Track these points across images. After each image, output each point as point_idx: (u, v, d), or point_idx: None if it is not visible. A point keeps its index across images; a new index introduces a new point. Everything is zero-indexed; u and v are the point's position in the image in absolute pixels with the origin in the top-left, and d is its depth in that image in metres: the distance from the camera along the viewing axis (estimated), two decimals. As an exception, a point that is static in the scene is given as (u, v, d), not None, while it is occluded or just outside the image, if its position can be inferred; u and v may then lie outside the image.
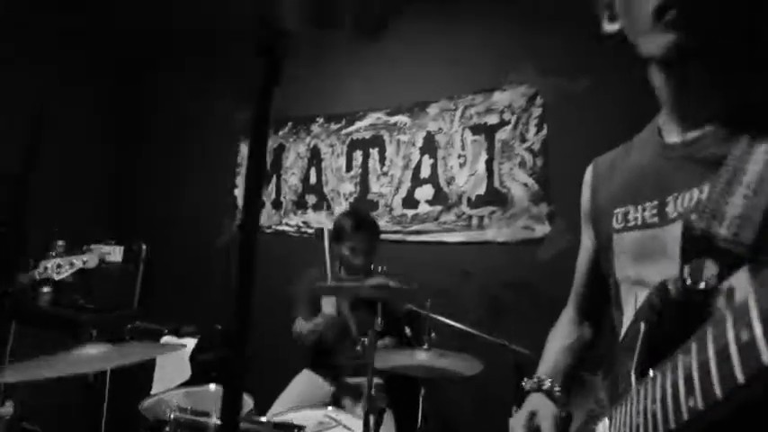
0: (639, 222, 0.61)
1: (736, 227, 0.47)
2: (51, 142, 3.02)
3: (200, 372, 2.48)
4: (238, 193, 3.13)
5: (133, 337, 2.74)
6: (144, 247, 3.13)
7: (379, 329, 1.54)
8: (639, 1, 0.52)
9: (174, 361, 2.54)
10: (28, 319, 2.64)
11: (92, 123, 3.44)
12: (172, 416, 1.19)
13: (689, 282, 0.48)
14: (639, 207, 0.62)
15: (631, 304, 0.62)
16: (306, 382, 2.08)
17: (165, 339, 2.69)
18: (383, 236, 2.44)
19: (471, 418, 2.20)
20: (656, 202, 0.59)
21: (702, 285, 0.47)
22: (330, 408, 1.72)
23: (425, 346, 1.80)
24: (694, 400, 0.36)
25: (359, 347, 1.93)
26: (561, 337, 0.86)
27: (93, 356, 1.30)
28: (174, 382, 2.35)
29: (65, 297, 2.89)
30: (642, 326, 0.52)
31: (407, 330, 2.06)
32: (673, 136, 0.60)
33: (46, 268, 1.96)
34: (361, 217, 2.12)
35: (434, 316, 1.92)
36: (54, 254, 2.04)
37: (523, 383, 0.81)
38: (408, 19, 2.63)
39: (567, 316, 0.88)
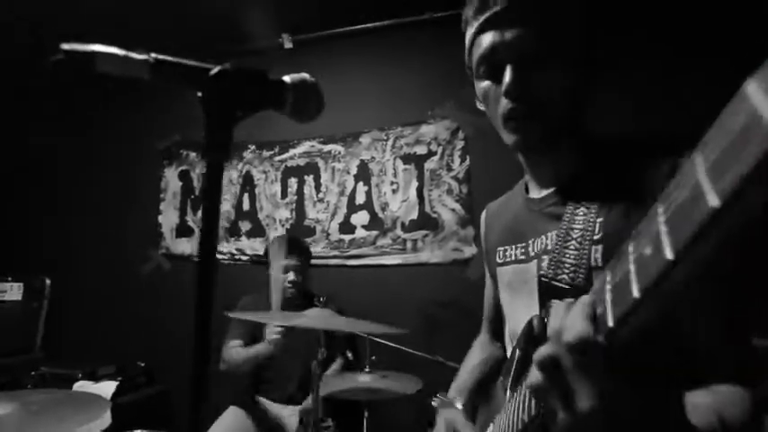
0: (513, 258, 0.77)
1: (573, 272, 0.62)
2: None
3: (123, 417, 2.32)
4: (163, 220, 2.98)
5: (37, 386, 2.43)
6: (47, 282, 2.81)
7: (322, 357, 1.58)
8: (492, 105, 0.69)
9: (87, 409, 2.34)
10: None
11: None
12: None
13: (546, 320, 0.60)
14: (513, 246, 0.77)
15: (508, 324, 0.78)
16: (231, 421, 2.00)
17: (79, 385, 2.43)
18: (322, 261, 2.53)
19: (414, 434, 2.29)
20: (523, 244, 0.75)
21: None
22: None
23: (367, 369, 1.88)
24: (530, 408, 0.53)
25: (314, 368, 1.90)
26: (473, 357, 0.97)
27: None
28: None
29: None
30: (517, 352, 0.66)
31: (349, 354, 2.13)
32: (533, 192, 0.77)
33: None
34: (290, 238, 2.21)
35: (374, 338, 1.99)
36: None
37: (433, 402, 0.90)
38: (338, 53, 2.74)
39: (480, 340, 1.00)
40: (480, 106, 0.76)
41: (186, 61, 0.47)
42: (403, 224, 2.52)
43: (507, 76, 0.63)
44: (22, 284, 2.74)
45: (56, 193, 3.20)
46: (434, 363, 1.87)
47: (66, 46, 0.46)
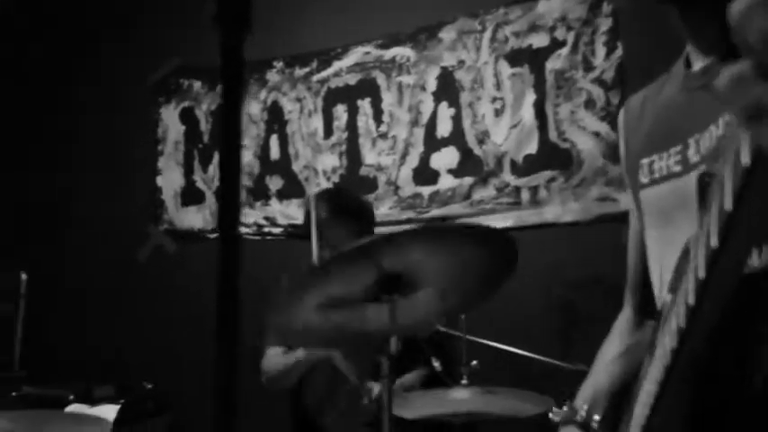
0: (665, 172, 0.66)
1: None
2: None
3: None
4: (163, 182, 2.65)
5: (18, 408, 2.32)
6: (23, 277, 2.55)
7: (396, 351, 1.15)
8: None
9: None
10: None
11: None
12: None
13: None
14: (665, 154, 0.66)
15: (656, 273, 0.69)
16: None
17: (73, 409, 2.22)
18: (389, 228, 2.06)
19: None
20: (679, 147, 0.64)
21: None
22: None
23: (464, 381, 1.62)
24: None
25: (365, 398, 1.70)
26: (613, 346, 0.83)
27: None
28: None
29: None
30: (669, 297, 0.57)
31: (435, 362, 1.75)
32: (697, 62, 0.66)
33: None
34: (340, 200, 1.85)
35: (473, 338, 1.73)
36: None
37: (551, 414, 0.79)
38: None
39: (623, 319, 0.86)
40: None
41: None
42: (514, 163, 2.06)
43: None
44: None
45: (21, 156, 2.88)
46: (570, 372, 1.60)
47: None
